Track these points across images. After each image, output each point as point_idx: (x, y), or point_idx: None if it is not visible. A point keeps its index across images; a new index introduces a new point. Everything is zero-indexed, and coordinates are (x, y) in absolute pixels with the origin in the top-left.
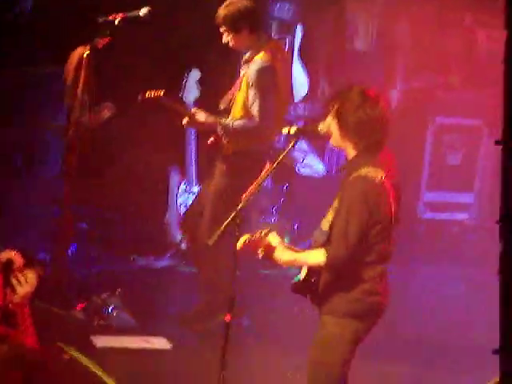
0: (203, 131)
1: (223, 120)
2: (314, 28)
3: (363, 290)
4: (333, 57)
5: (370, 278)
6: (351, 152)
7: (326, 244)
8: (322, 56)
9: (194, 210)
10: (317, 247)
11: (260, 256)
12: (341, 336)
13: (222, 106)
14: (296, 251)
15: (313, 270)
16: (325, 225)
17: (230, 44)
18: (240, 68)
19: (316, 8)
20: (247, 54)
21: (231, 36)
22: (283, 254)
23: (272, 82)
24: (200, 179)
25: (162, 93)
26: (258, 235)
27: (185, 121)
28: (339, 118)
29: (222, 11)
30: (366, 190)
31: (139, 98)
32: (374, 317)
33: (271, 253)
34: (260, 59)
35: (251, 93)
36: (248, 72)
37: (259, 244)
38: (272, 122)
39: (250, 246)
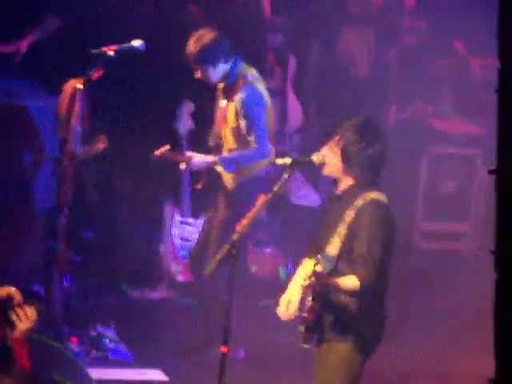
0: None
1: (222, 156)
2: (306, 57)
3: (382, 316)
4: (326, 86)
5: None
6: (349, 182)
7: (333, 270)
8: (315, 85)
9: (199, 245)
10: None
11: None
12: (354, 361)
13: (212, 143)
14: None
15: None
16: (331, 250)
17: (206, 78)
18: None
19: (308, 37)
20: (223, 84)
21: (207, 70)
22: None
23: (261, 105)
24: (194, 211)
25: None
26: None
27: (183, 165)
28: (343, 153)
29: (192, 48)
30: (382, 213)
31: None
32: (380, 341)
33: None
34: (244, 85)
35: (244, 121)
36: (236, 101)
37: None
38: (269, 145)
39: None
